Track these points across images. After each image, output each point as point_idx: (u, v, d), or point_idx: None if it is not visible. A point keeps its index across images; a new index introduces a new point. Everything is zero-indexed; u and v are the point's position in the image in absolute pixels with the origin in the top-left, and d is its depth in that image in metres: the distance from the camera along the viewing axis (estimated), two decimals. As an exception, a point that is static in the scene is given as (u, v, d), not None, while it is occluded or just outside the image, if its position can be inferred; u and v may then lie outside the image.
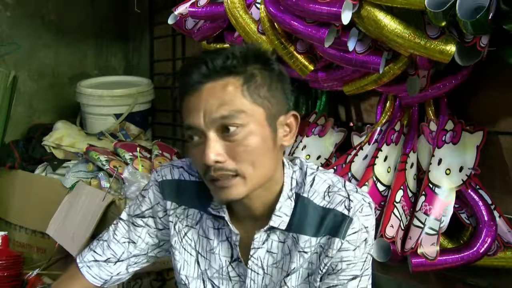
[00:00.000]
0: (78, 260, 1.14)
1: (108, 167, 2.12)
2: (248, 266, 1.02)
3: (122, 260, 1.13)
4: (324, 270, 0.98)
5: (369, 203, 0.98)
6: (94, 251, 1.13)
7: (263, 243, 1.01)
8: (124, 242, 1.13)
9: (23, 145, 2.55)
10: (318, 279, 0.99)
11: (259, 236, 1.00)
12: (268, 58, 0.96)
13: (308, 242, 0.98)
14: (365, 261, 0.99)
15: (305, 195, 1.00)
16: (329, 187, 1.00)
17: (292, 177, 1.01)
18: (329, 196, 0.98)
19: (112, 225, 1.15)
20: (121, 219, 1.15)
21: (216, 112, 0.89)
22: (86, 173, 2.23)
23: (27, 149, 2.52)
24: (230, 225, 1.01)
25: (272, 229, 1.00)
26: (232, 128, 0.89)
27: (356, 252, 0.97)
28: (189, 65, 0.94)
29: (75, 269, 1.13)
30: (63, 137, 2.48)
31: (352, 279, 0.98)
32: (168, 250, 1.15)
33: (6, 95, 2.45)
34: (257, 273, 1.02)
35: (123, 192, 1.98)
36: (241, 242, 1.02)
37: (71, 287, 1.13)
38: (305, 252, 0.98)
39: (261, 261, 1.02)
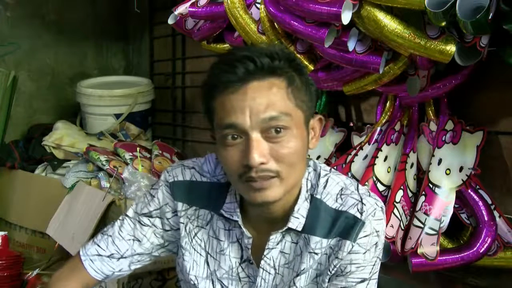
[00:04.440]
0: (81, 253, 1.13)
1: (108, 167, 2.12)
2: (261, 265, 1.02)
3: (125, 257, 1.12)
4: (333, 272, 0.98)
5: (381, 207, 0.99)
6: (98, 245, 1.12)
7: (277, 243, 1.01)
8: (129, 240, 1.11)
9: (23, 145, 2.55)
10: (327, 280, 0.99)
11: (275, 237, 1.00)
12: (302, 65, 0.97)
13: (319, 244, 0.98)
14: (374, 264, 0.99)
15: (318, 196, 1.00)
16: (342, 189, 1.00)
17: (307, 179, 1.01)
18: (341, 199, 0.98)
19: (118, 221, 1.14)
20: (127, 215, 1.14)
21: (264, 113, 0.88)
22: (86, 173, 2.22)
23: (27, 149, 2.52)
24: (243, 228, 1.01)
25: (288, 230, 1.00)
26: (279, 130, 0.89)
27: (366, 255, 0.97)
28: (230, 61, 0.90)
29: (78, 261, 1.12)
30: (63, 137, 2.47)
31: (361, 282, 0.98)
32: (172, 250, 1.15)
33: (6, 95, 2.46)
34: (269, 273, 1.02)
35: (123, 192, 1.98)
36: (253, 243, 1.02)
37: (72, 279, 1.12)
38: (316, 253, 0.98)
39: (273, 261, 1.02)
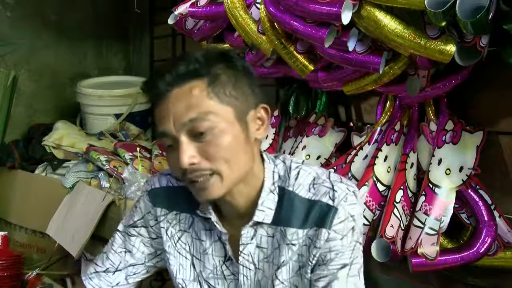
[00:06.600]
0: (82, 274, 1.19)
1: (108, 167, 2.12)
2: (239, 262, 1.03)
3: (120, 270, 1.16)
4: (314, 262, 0.99)
5: (353, 192, 0.99)
6: (96, 263, 1.18)
7: (252, 238, 1.02)
8: (121, 252, 1.16)
9: (23, 145, 2.55)
10: (309, 271, 1.00)
11: (246, 232, 1.02)
12: (231, 56, 0.98)
13: (295, 235, 0.99)
14: (353, 249, 0.99)
15: (290, 188, 1.01)
16: (314, 179, 1.01)
17: (273, 171, 1.02)
18: (314, 188, 0.99)
19: (112, 237, 1.19)
20: (118, 230, 1.19)
21: (184, 116, 0.91)
22: (86, 173, 2.22)
23: (27, 149, 2.51)
24: (217, 225, 1.03)
25: (258, 224, 1.01)
26: (202, 130, 0.91)
27: (344, 241, 0.97)
28: (155, 75, 0.97)
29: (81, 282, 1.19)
30: (63, 137, 2.47)
31: (342, 268, 0.98)
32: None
33: (6, 95, 2.45)
34: (249, 269, 1.04)
35: (123, 192, 1.98)
36: (232, 240, 1.04)
37: None
38: (293, 245, 0.99)
39: (251, 257, 1.03)
